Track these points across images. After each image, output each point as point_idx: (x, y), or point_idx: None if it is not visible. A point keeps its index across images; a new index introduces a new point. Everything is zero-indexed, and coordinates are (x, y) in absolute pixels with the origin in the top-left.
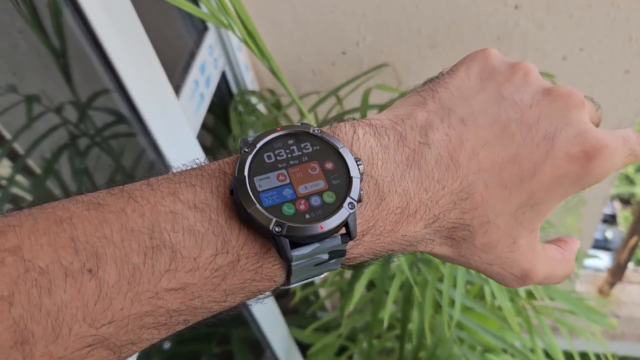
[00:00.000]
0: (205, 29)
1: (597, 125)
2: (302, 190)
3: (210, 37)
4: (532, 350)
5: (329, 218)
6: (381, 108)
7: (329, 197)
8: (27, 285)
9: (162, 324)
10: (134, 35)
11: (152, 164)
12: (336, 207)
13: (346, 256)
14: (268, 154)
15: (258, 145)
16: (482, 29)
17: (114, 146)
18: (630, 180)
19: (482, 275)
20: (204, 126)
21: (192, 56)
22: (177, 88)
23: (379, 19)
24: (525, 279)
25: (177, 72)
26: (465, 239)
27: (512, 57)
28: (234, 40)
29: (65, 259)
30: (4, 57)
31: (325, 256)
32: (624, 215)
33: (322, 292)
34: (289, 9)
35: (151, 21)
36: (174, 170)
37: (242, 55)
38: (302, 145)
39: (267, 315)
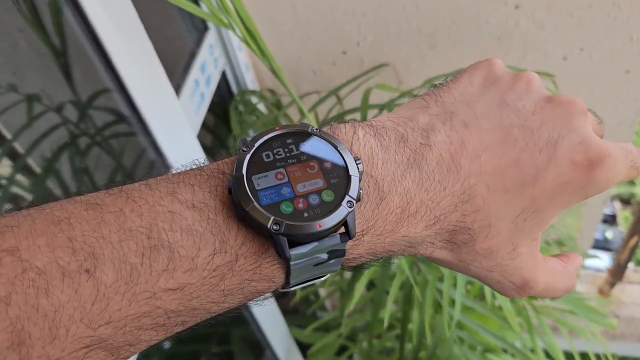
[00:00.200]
0: (205, 28)
1: None
2: (300, 188)
3: (211, 37)
4: (533, 350)
5: (327, 216)
6: (381, 108)
7: (328, 196)
8: (24, 286)
9: (160, 325)
10: (135, 35)
11: (153, 163)
12: (335, 205)
13: (346, 256)
14: (266, 152)
15: (256, 144)
16: (483, 29)
17: (114, 146)
18: (630, 181)
19: None
20: (205, 126)
21: (192, 56)
22: (178, 88)
23: (379, 19)
24: (525, 289)
25: (177, 71)
26: (466, 243)
27: (512, 57)
28: (235, 40)
29: (62, 259)
30: (4, 56)
31: (325, 256)
32: (624, 216)
33: (322, 291)
34: (289, 8)
35: (152, 21)
36: (173, 171)
37: (243, 55)
38: (300, 144)
39: (267, 314)
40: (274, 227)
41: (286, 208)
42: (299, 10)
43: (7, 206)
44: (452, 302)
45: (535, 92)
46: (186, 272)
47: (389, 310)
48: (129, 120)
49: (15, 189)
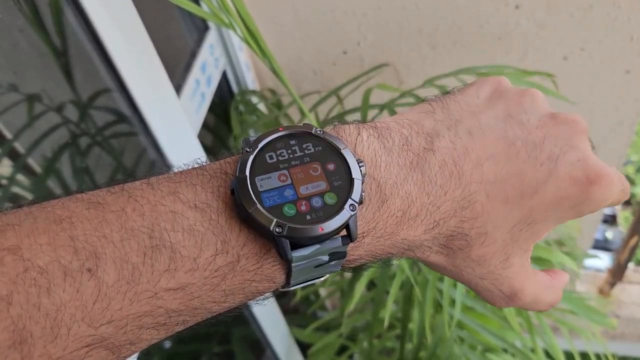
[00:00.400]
0: (206, 28)
1: None
2: (303, 191)
3: (211, 37)
4: (533, 350)
5: (330, 220)
6: (382, 108)
7: (330, 199)
8: (26, 285)
9: (161, 324)
10: (135, 35)
11: (153, 163)
12: (337, 208)
13: (346, 258)
14: (270, 154)
15: (260, 145)
16: (483, 29)
17: (114, 145)
18: (630, 181)
19: None
20: (205, 125)
21: (193, 55)
22: (178, 87)
23: (380, 19)
24: (513, 299)
25: (178, 71)
26: (462, 249)
27: (512, 56)
28: (235, 40)
29: (64, 259)
30: (5, 56)
31: (326, 257)
32: (624, 216)
33: (323, 291)
34: (290, 8)
35: (152, 20)
36: (175, 170)
37: (243, 55)
38: (304, 146)
39: (267, 314)
40: (277, 230)
41: (289, 210)
42: (299, 10)
43: (8, 205)
44: (453, 302)
45: (540, 108)
46: (188, 272)
47: (389, 310)
48: (130, 120)
49: (15, 189)
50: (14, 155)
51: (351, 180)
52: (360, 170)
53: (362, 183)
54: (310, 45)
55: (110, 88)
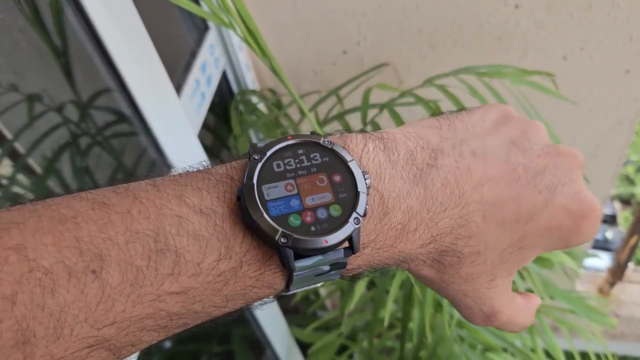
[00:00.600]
0: (206, 28)
1: None
2: (309, 201)
3: (211, 37)
4: (533, 350)
5: (334, 232)
6: (382, 107)
7: (336, 211)
8: (31, 285)
9: (162, 327)
10: (136, 35)
11: (153, 163)
12: (342, 221)
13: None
14: (277, 162)
15: (268, 153)
16: (483, 29)
17: (115, 145)
18: (630, 181)
19: None
20: (205, 125)
21: (193, 55)
22: (178, 87)
23: (380, 19)
24: (491, 318)
25: (178, 71)
26: (453, 265)
27: (512, 56)
28: (235, 40)
29: (69, 260)
30: (5, 56)
31: (327, 267)
32: (624, 216)
33: (323, 291)
34: (290, 8)
35: (152, 20)
36: (180, 171)
37: (243, 55)
38: (311, 156)
39: (267, 314)
40: (282, 240)
41: (294, 221)
42: (299, 10)
43: (9, 204)
44: None
45: (542, 138)
46: (191, 277)
47: (389, 309)
48: (130, 119)
49: (16, 189)
50: (14, 155)
51: (357, 194)
52: (366, 182)
53: (367, 195)
54: (310, 45)
55: (111, 88)
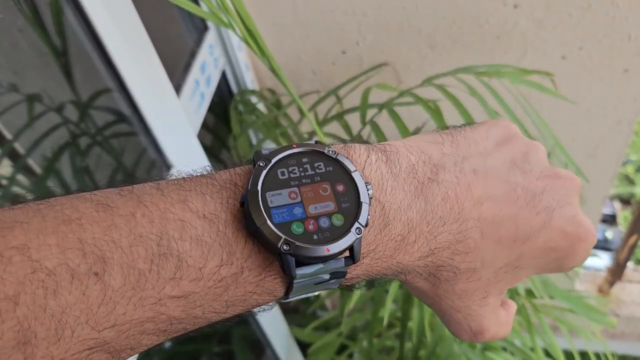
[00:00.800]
0: (205, 28)
1: None
2: (312, 210)
3: (211, 37)
4: (532, 349)
5: (336, 241)
6: (380, 107)
7: (338, 220)
8: (34, 286)
9: (162, 331)
10: (135, 35)
11: (153, 163)
12: (344, 231)
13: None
14: (282, 170)
15: (273, 161)
16: (483, 29)
17: (114, 145)
18: (630, 180)
19: None
20: (204, 125)
21: (192, 55)
22: (178, 87)
23: (380, 19)
24: (477, 336)
25: (177, 71)
26: (448, 281)
27: (511, 56)
28: (234, 40)
29: (72, 261)
30: (5, 56)
31: (327, 276)
32: (624, 215)
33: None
34: (289, 8)
35: (152, 20)
36: (184, 175)
37: (243, 55)
38: (315, 165)
39: (267, 314)
40: (284, 247)
41: (297, 228)
42: (299, 10)
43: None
44: None
45: (542, 160)
46: (192, 282)
47: (388, 309)
48: (130, 120)
49: (16, 189)
50: (14, 156)
51: (359, 204)
52: (368, 194)
53: (369, 206)
54: (309, 45)
55: (110, 88)
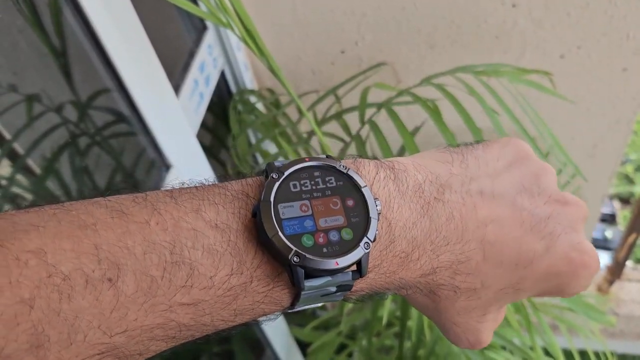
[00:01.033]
0: (204, 28)
1: None
2: (322, 223)
3: (210, 37)
4: (532, 348)
5: (345, 255)
6: (379, 107)
7: (347, 234)
8: (49, 290)
9: (171, 337)
10: (134, 35)
11: (152, 162)
12: (353, 245)
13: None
14: (294, 182)
15: (286, 173)
16: (482, 29)
17: (114, 145)
18: (629, 180)
19: None
20: (204, 125)
21: (191, 55)
22: (177, 87)
23: (379, 19)
24: (475, 346)
25: (176, 71)
26: (448, 298)
27: (510, 55)
28: (233, 40)
29: (87, 267)
30: (4, 56)
31: (333, 289)
32: (624, 215)
33: None
34: (288, 8)
35: (151, 20)
36: (196, 184)
37: (242, 55)
38: (327, 179)
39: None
40: (295, 259)
41: (307, 241)
42: (298, 9)
43: (7, 207)
44: None
45: (551, 184)
46: (203, 290)
47: (387, 308)
48: (129, 120)
49: (15, 189)
50: (13, 156)
51: (368, 219)
52: (377, 209)
53: (377, 221)
54: (308, 44)
55: (109, 88)
